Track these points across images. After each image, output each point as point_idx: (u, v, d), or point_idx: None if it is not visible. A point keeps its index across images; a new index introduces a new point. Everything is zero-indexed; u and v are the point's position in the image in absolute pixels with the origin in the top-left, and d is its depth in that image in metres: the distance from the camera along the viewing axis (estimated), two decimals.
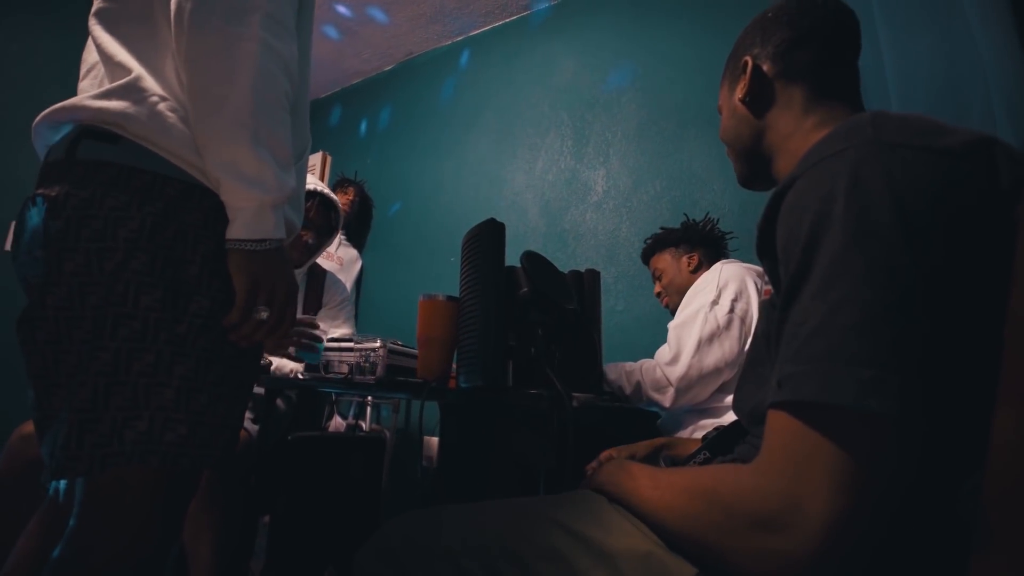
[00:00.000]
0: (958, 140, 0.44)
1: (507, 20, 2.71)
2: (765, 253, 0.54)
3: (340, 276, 2.63)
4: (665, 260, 1.66)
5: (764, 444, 0.44)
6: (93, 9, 0.74)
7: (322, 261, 2.52)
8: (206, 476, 1.25)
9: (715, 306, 1.35)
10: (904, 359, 0.39)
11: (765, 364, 0.60)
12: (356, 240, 2.93)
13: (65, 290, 0.64)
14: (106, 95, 0.68)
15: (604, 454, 0.92)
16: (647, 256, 1.73)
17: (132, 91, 0.68)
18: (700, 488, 0.49)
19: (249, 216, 0.69)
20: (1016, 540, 0.35)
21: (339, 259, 2.67)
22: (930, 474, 0.43)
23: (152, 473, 0.65)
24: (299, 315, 1.77)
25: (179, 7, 0.66)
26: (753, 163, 0.72)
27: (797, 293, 0.45)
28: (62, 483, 0.92)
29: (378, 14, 2.72)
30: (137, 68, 0.69)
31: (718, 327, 1.32)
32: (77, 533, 0.64)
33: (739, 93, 0.69)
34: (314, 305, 1.83)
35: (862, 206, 0.42)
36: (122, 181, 0.66)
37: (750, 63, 0.68)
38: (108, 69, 0.71)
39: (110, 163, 0.67)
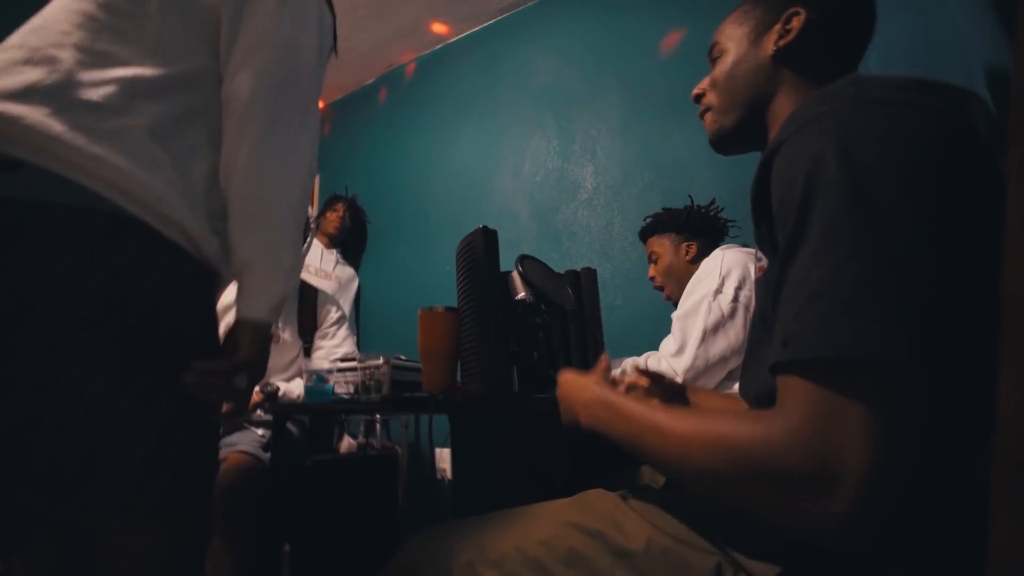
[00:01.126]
0: (938, 94, 0.44)
1: (484, 25, 2.72)
2: (761, 219, 0.53)
3: (338, 295, 2.63)
4: (663, 244, 1.63)
5: (784, 403, 0.43)
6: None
7: (320, 281, 2.52)
8: (221, 509, 1.25)
9: (719, 295, 1.34)
10: (912, 311, 0.38)
11: (765, 344, 0.59)
12: (353, 257, 2.93)
13: None
14: (23, 94, 0.57)
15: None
16: (646, 235, 1.70)
17: (54, 92, 0.58)
18: (715, 438, 0.46)
19: (276, 303, 0.73)
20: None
21: (337, 278, 2.67)
22: (948, 436, 0.43)
23: (162, 527, 0.63)
24: (295, 334, 1.78)
25: (252, 94, 0.67)
26: (745, 118, 0.67)
27: (794, 255, 0.44)
28: None
29: (358, 28, 2.73)
30: (67, 58, 0.60)
31: (723, 316, 1.32)
32: None
33: (776, 41, 0.64)
34: (310, 325, 1.82)
35: (854, 164, 0.42)
36: (30, 223, 0.56)
37: (804, 17, 0.62)
38: (25, 51, 0.61)
39: (12, 201, 0.56)
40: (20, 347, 0.55)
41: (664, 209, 1.68)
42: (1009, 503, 0.23)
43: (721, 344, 1.31)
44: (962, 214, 0.41)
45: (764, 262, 0.55)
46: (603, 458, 0.92)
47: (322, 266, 2.60)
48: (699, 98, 0.74)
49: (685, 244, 1.59)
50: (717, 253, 1.45)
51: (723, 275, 1.37)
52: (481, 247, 1.01)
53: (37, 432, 0.56)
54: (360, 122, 3.17)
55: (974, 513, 0.39)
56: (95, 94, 0.61)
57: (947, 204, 0.41)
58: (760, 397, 0.59)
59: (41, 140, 0.56)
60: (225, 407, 0.73)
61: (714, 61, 0.71)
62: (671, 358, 1.33)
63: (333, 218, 2.70)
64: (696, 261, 1.55)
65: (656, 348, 1.47)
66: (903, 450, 0.39)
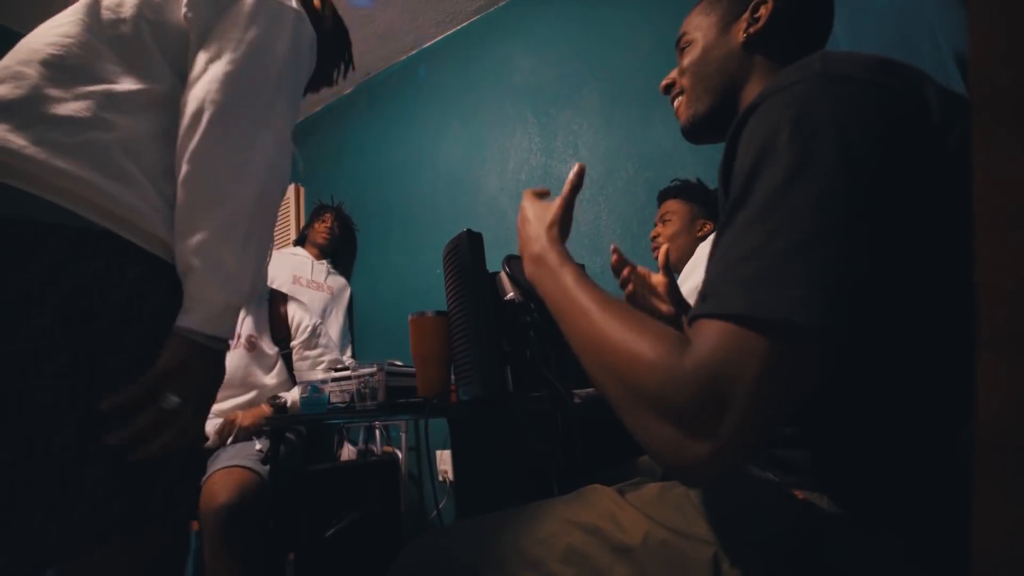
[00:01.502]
0: (900, 76, 0.45)
1: (459, 27, 2.71)
2: (725, 189, 0.53)
3: (331, 306, 2.62)
4: (682, 211, 1.60)
5: (692, 347, 0.43)
6: (53, 28, 0.68)
7: (312, 293, 2.51)
8: (221, 525, 1.24)
9: None
10: (835, 282, 0.39)
11: None
12: (343, 266, 2.92)
13: None
14: None
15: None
16: (667, 195, 1.67)
17: (18, 107, 0.59)
18: (629, 353, 0.46)
19: (214, 312, 0.65)
20: (1012, 481, 0.36)
21: (329, 288, 2.65)
22: (926, 418, 0.44)
23: (126, 549, 0.61)
24: (269, 341, 1.78)
25: (199, 107, 0.65)
26: (717, 106, 0.68)
27: (733, 219, 0.45)
28: None
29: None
30: (36, 76, 0.61)
31: None
32: None
33: (746, 29, 0.65)
34: (283, 330, 1.84)
35: (806, 136, 0.43)
36: None
37: (771, 5, 0.64)
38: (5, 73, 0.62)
39: None
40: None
41: (698, 179, 1.66)
42: (990, 482, 0.23)
43: None
44: (905, 195, 0.42)
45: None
46: (599, 453, 0.93)
47: (313, 277, 2.59)
48: (669, 88, 0.75)
49: (701, 220, 1.58)
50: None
51: None
52: (466, 250, 1.02)
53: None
54: (342, 131, 3.15)
55: (955, 489, 0.41)
56: (62, 109, 0.61)
57: (892, 187, 0.41)
58: None
59: (1, 155, 0.56)
60: (161, 442, 0.61)
61: (682, 51, 0.72)
62: None
63: (321, 228, 2.68)
64: (704, 240, 1.55)
65: None
66: (785, 412, 0.40)
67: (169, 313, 0.65)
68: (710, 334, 0.42)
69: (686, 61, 0.71)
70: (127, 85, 0.67)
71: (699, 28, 0.71)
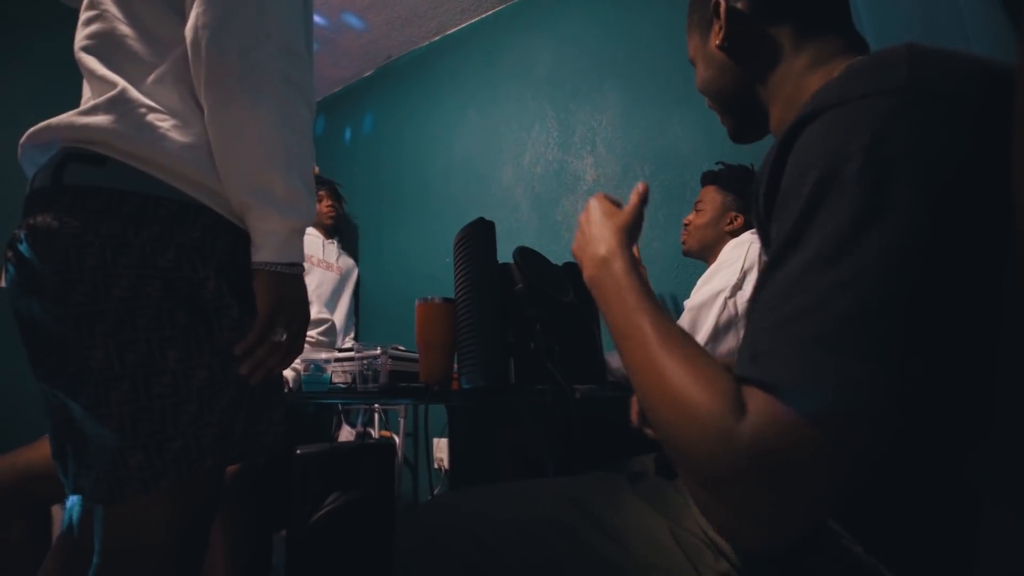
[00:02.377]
0: (1003, 80, 0.37)
1: (483, 16, 2.70)
2: (768, 206, 0.47)
3: (341, 286, 2.62)
4: (716, 200, 1.55)
5: (746, 414, 0.39)
6: (78, 44, 0.73)
7: (323, 273, 2.51)
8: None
9: (737, 292, 1.30)
10: (901, 361, 0.34)
11: None
12: (350, 246, 2.92)
13: (73, 322, 0.63)
14: (91, 110, 0.66)
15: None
16: (705, 180, 1.61)
17: (117, 104, 0.67)
18: (686, 403, 0.42)
19: (281, 240, 0.71)
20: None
21: (339, 269, 2.65)
22: (937, 442, 0.41)
23: (172, 503, 0.65)
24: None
25: (195, 38, 0.66)
26: (743, 115, 0.64)
27: (785, 259, 0.40)
28: (75, 515, 0.92)
29: (353, 20, 2.71)
30: (122, 83, 0.68)
31: (736, 315, 1.28)
32: (102, 567, 0.64)
33: (715, 39, 0.60)
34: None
35: (881, 172, 0.36)
36: (113, 207, 0.65)
37: (723, 4, 0.58)
38: (94, 88, 0.71)
39: (99, 188, 0.65)
40: (103, 312, 0.63)
41: (752, 165, 1.60)
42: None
43: (730, 343, 1.28)
44: (982, 229, 0.36)
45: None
46: (597, 450, 0.93)
47: (325, 257, 2.58)
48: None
49: (733, 213, 1.52)
50: (745, 239, 1.39)
51: (744, 270, 1.32)
52: (478, 238, 1.02)
53: (118, 387, 0.63)
54: (360, 113, 3.15)
55: (963, 518, 0.38)
56: (152, 99, 0.68)
57: (976, 232, 0.36)
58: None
59: (116, 140, 0.66)
60: (273, 364, 0.73)
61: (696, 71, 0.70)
62: None
63: (324, 208, 2.64)
64: (733, 235, 1.49)
65: None
66: (840, 492, 0.37)
67: (252, 283, 0.72)
68: (763, 406, 0.38)
69: (697, 81, 0.68)
70: (175, 51, 0.71)
71: (692, 48, 0.68)
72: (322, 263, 2.55)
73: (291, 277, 0.72)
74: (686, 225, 1.61)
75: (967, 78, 0.38)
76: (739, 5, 0.58)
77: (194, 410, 0.65)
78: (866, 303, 0.35)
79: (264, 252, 0.70)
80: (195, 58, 0.67)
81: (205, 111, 0.68)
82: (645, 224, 1.82)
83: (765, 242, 0.49)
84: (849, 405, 0.35)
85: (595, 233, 0.63)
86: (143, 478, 0.62)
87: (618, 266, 0.58)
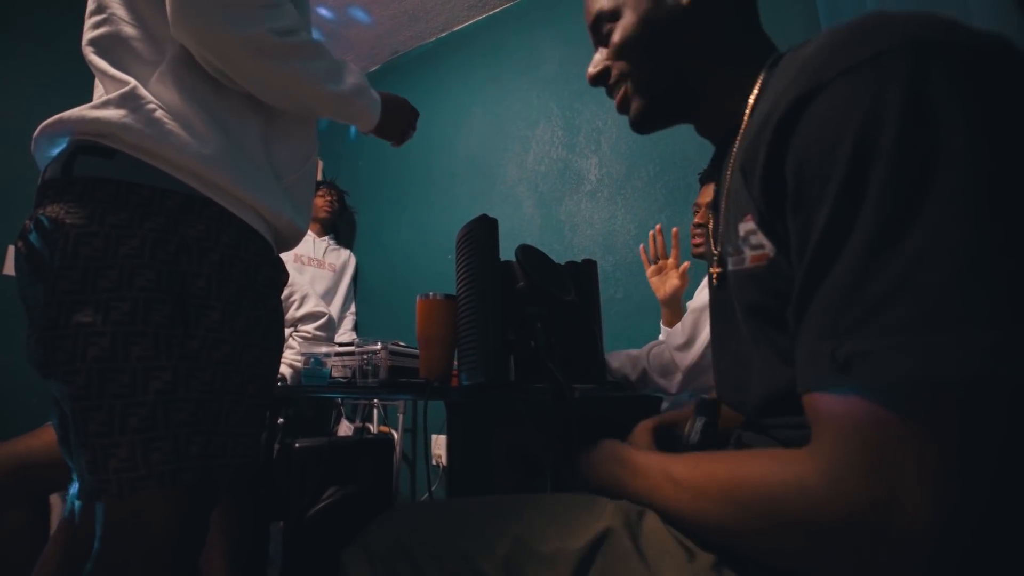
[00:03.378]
0: (1003, 40, 0.35)
1: (491, 13, 2.69)
2: (770, 196, 0.41)
3: (333, 282, 2.61)
4: None
5: (829, 439, 0.35)
6: (85, 39, 0.74)
7: (315, 270, 2.51)
8: None
9: None
10: (1018, 315, 0.29)
11: (740, 341, 0.53)
12: (346, 239, 2.92)
13: (55, 309, 0.62)
14: (103, 105, 0.68)
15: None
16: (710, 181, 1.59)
17: (128, 99, 0.68)
18: (747, 495, 0.38)
19: (361, 110, 0.88)
20: None
21: (331, 265, 2.62)
22: None
23: (171, 493, 0.65)
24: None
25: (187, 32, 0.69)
26: (673, 85, 0.57)
27: (839, 248, 0.34)
28: (77, 503, 0.93)
29: (360, 14, 2.71)
30: (132, 81, 0.69)
31: None
32: (101, 561, 0.64)
33: None
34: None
35: (927, 126, 0.32)
36: (121, 197, 0.66)
37: None
38: (105, 85, 0.72)
39: (108, 179, 0.67)
40: (101, 299, 0.63)
41: None
42: None
43: None
44: None
45: (767, 250, 0.44)
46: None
47: (315, 255, 2.58)
48: (602, 78, 0.62)
49: None
50: None
51: None
52: (480, 236, 1.01)
53: (116, 378, 0.62)
54: None
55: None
56: (157, 97, 0.70)
57: None
58: (768, 405, 0.50)
59: (126, 134, 0.67)
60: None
61: (606, 30, 0.60)
62: (676, 350, 1.32)
63: (323, 203, 2.64)
64: None
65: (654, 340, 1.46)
66: (984, 486, 0.31)
67: (255, 277, 0.74)
68: (854, 416, 0.33)
69: (617, 36, 0.58)
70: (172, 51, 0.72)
71: (623, 2, 0.57)
72: (313, 261, 2.55)
73: (384, 111, 0.94)
74: (699, 226, 1.56)
75: (967, 30, 0.35)
76: None
77: (146, 414, 0.62)
78: (958, 265, 0.30)
79: (360, 124, 0.92)
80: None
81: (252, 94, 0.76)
82: (651, 224, 1.81)
83: (772, 238, 0.44)
84: (985, 377, 0.29)
85: (590, 453, 0.62)
86: (121, 482, 0.62)
87: (616, 448, 0.57)
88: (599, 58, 0.62)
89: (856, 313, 0.33)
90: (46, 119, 0.71)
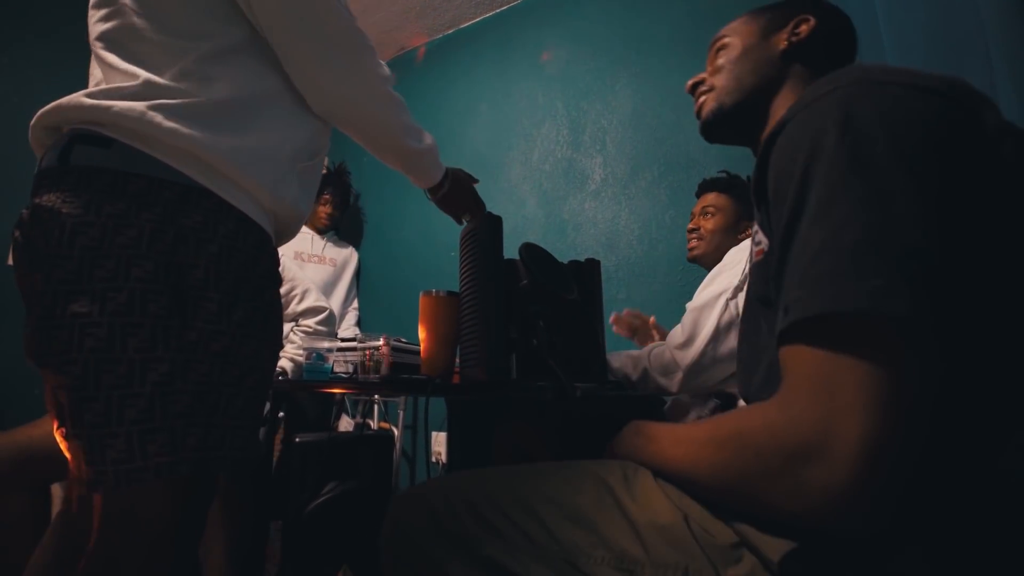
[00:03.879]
0: (940, 80, 0.45)
1: (498, 10, 2.69)
2: (761, 200, 0.53)
3: (335, 277, 2.60)
4: (728, 207, 1.54)
5: (784, 377, 0.43)
6: (93, 33, 0.74)
7: (316, 266, 2.51)
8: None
9: (739, 293, 1.31)
10: (913, 271, 0.38)
11: (760, 332, 0.59)
12: (352, 233, 2.91)
13: (51, 299, 0.62)
14: (102, 94, 0.67)
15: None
16: (712, 187, 1.60)
17: (127, 90, 0.68)
18: (725, 434, 0.47)
19: (422, 166, 1.07)
20: None
21: (332, 261, 2.61)
22: (971, 423, 0.42)
23: (168, 485, 0.65)
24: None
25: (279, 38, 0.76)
26: (746, 104, 0.71)
27: (796, 227, 0.44)
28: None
29: (368, 9, 2.70)
30: (144, 73, 0.69)
31: (737, 316, 1.29)
32: (98, 549, 0.64)
33: (788, 39, 0.70)
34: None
35: (855, 137, 0.42)
36: (118, 187, 0.65)
37: (813, 23, 0.69)
38: (107, 76, 0.72)
39: (104, 169, 0.66)
40: (97, 289, 0.62)
41: (748, 177, 1.60)
42: None
43: (732, 343, 1.28)
44: (961, 194, 0.40)
45: (763, 245, 0.55)
46: (595, 448, 0.93)
47: (314, 251, 2.57)
48: (697, 86, 0.77)
49: (746, 222, 1.52)
50: (746, 244, 1.40)
51: (747, 273, 1.33)
52: (485, 233, 1.01)
53: (113, 369, 0.62)
54: None
55: (997, 505, 0.39)
56: (165, 78, 0.70)
57: (946, 182, 0.40)
58: (762, 387, 0.58)
59: (124, 122, 0.66)
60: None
61: (718, 52, 0.75)
62: (676, 349, 1.32)
63: (322, 213, 2.57)
64: (736, 246, 1.48)
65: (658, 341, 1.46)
66: (914, 410, 0.38)
67: (253, 269, 0.74)
68: (796, 355, 0.41)
69: (721, 59, 0.74)
70: (209, 43, 0.73)
71: (739, 33, 0.74)
72: (313, 257, 2.55)
73: (452, 179, 1.15)
74: (694, 230, 1.60)
75: (906, 73, 0.45)
76: (816, 32, 0.69)
77: (143, 405, 0.62)
78: (867, 232, 0.39)
79: (420, 181, 1.10)
80: (287, 57, 0.78)
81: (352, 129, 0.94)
82: (654, 224, 1.81)
83: (769, 235, 0.53)
84: (878, 311, 0.37)
85: (630, 447, 0.66)
86: (117, 473, 0.61)
87: (638, 422, 0.64)
88: (703, 74, 0.77)
89: (799, 272, 0.43)
90: (43, 107, 0.70)
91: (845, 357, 0.39)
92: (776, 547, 0.46)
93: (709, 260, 1.54)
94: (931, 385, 0.39)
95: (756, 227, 0.59)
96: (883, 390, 0.37)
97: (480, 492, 0.59)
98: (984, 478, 0.41)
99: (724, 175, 1.59)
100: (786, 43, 0.69)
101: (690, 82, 0.78)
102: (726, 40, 0.74)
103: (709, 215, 1.57)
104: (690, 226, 1.59)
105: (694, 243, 1.58)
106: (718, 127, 0.74)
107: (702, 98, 0.75)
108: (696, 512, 0.51)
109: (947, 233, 0.39)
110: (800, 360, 0.42)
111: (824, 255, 0.41)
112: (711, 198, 1.59)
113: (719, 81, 0.73)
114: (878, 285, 0.38)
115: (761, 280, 0.56)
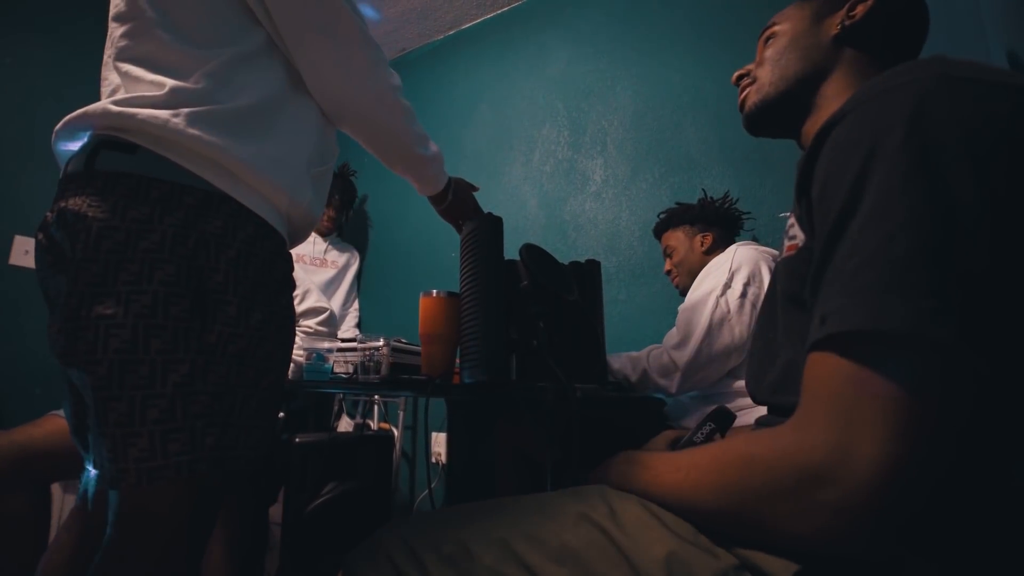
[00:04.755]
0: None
1: (499, 11, 2.69)
2: (803, 193, 0.50)
3: (335, 279, 2.60)
4: (678, 237, 1.62)
5: (805, 392, 0.41)
6: (115, 45, 0.74)
7: (316, 268, 2.51)
8: None
9: (727, 290, 1.33)
10: (964, 294, 0.35)
11: (777, 328, 0.57)
12: (355, 233, 2.90)
13: (77, 300, 0.63)
14: (127, 102, 0.69)
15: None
16: (660, 231, 1.69)
17: (153, 98, 0.69)
18: (733, 457, 0.44)
19: (428, 177, 1.11)
20: None
21: (333, 263, 2.60)
22: (988, 438, 0.40)
23: (184, 483, 0.65)
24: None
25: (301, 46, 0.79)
26: (791, 94, 0.67)
27: (843, 229, 0.41)
28: (91, 488, 0.93)
29: (368, 11, 2.71)
30: (160, 79, 0.70)
31: (728, 311, 1.30)
32: (112, 547, 0.65)
33: (842, 22, 0.64)
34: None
35: (923, 137, 0.39)
36: (141, 192, 0.67)
37: (871, 2, 0.63)
38: (129, 84, 0.73)
39: (129, 174, 0.67)
40: (122, 292, 0.64)
41: (677, 203, 1.67)
42: None
43: (725, 340, 1.30)
44: None
45: (798, 240, 0.52)
46: (596, 450, 0.93)
47: (315, 254, 2.56)
48: (741, 78, 0.74)
49: (700, 235, 1.58)
50: (731, 248, 1.44)
51: (733, 270, 1.35)
52: (486, 234, 1.01)
53: (136, 369, 0.63)
54: None
55: (1014, 523, 0.38)
56: (189, 85, 0.71)
57: (1017, 196, 0.37)
58: (776, 388, 0.56)
59: (150, 128, 0.68)
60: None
61: (767, 42, 0.71)
62: (672, 350, 1.33)
63: (324, 219, 2.56)
64: (711, 252, 1.54)
65: (658, 343, 1.47)
66: (932, 443, 0.35)
67: (269, 273, 0.75)
68: (826, 367, 0.39)
69: (769, 51, 0.70)
70: (229, 51, 0.74)
71: (790, 19, 0.70)
72: (315, 260, 2.54)
73: (456, 188, 1.18)
74: (668, 272, 1.68)
75: (995, 71, 0.41)
76: (874, 12, 0.63)
77: (165, 406, 0.64)
78: (923, 246, 0.36)
79: (424, 190, 1.13)
80: (307, 71, 0.81)
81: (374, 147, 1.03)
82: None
83: (806, 231, 0.51)
84: (922, 335, 0.35)
85: (623, 475, 0.62)
86: (140, 472, 0.63)
87: (629, 452, 0.61)
88: (749, 65, 0.73)
89: (842, 279, 0.40)
90: (47, 110, 0.71)
91: (873, 379, 0.37)
92: (780, 569, 0.44)
93: (690, 283, 1.57)
94: (961, 410, 0.37)
95: (791, 220, 0.56)
96: (906, 416, 0.35)
97: (446, 536, 0.54)
98: (1001, 496, 0.40)
99: (662, 215, 1.69)
100: (839, 26, 0.64)
101: (736, 74, 0.75)
102: (775, 28, 0.70)
103: (670, 255, 1.66)
104: (664, 269, 1.69)
105: (674, 280, 1.66)
106: (761, 120, 0.70)
107: (745, 91, 0.72)
108: (693, 538, 0.48)
109: (1007, 253, 0.37)
110: (825, 377, 0.39)
111: (872, 264, 0.38)
112: (665, 239, 1.68)
113: (763, 73, 0.70)
114: (926, 307, 0.35)
115: (791, 276, 0.53)
